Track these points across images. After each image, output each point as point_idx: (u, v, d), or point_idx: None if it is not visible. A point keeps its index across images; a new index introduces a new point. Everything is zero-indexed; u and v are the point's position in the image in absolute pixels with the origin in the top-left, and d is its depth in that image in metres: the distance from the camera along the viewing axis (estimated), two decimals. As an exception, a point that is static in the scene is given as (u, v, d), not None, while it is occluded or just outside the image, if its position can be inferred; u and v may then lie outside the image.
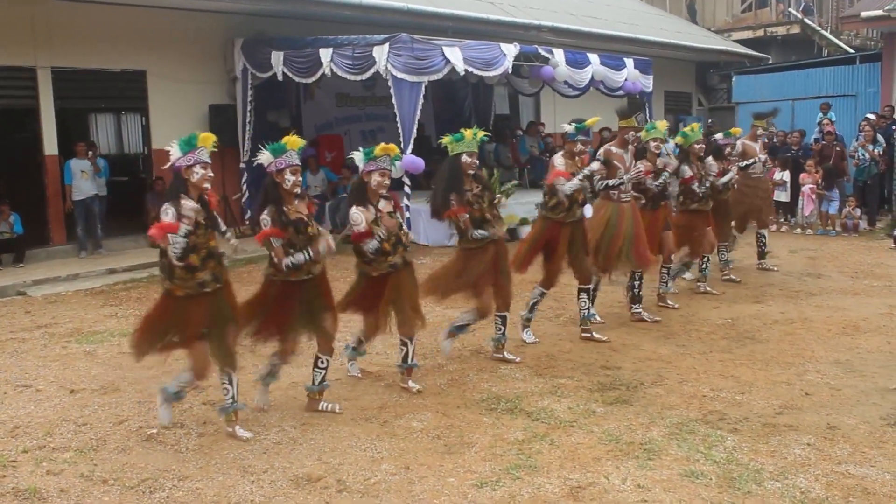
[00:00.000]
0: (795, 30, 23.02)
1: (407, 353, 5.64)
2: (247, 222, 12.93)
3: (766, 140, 9.10)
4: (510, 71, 11.99)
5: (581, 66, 12.66)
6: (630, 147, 7.12)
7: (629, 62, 13.52)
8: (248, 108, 12.68)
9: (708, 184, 8.07)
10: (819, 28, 23.02)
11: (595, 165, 6.46)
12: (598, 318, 7.33)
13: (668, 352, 6.64)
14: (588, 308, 6.91)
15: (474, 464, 4.52)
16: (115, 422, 5.29)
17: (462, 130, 5.97)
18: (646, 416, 5.19)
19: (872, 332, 7.16)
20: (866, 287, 8.95)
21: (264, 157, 4.96)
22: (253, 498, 4.21)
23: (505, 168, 14.32)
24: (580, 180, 6.32)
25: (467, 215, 5.85)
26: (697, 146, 8.07)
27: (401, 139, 10.99)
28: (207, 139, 4.79)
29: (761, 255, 9.92)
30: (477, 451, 4.70)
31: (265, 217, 4.91)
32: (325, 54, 11.32)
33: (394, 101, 10.91)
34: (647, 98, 14.03)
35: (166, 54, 12.24)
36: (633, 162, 7.03)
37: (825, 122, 14.38)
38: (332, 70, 11.32)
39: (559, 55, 12.29)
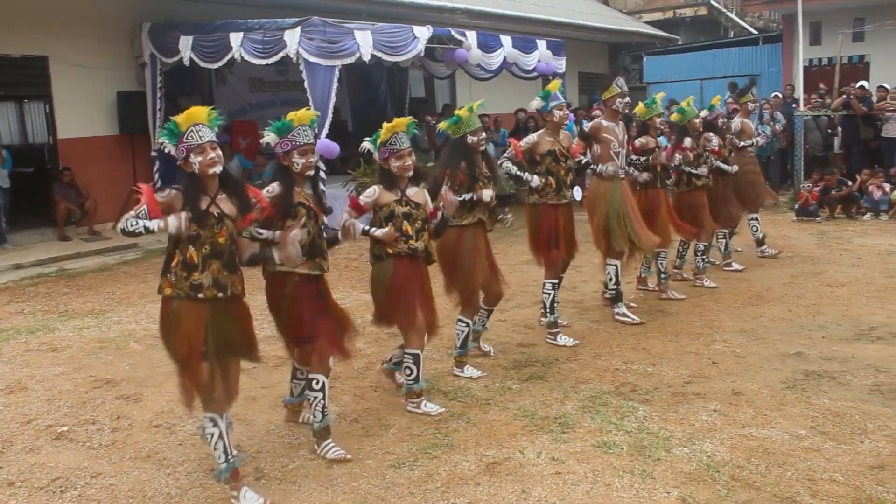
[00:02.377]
0: (703, 11, 23.70)
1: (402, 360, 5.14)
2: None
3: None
4: (423, 54, 11.98)
5: (492, 49, 12.73)
6: (621, 120, 6.80)
7: (541, 44, 13.66)
8: (158, 94, 12.34)
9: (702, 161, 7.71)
10: (724, 10, 23.73)
11: (535, 182, 6.01)
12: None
13: (583, 327, 6.79)
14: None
15: (392, 445, 4.56)
16: (23, 421, 5.12)
17: (456, 112, 5.52)
18: (560, 391, 5.31)
19: (775, 301, 7.47)
20: (770, 258, 9.31)
21: (269, 136, 4.35)
22: (169, 491, 4.16)
23: (421, 151, 14.32)
24: (515, 174, 6.04)
25: (458, 181, 5.37)
26: (697, 121, 7.77)
27: (315, 124, 10.89)
28: (193, 116, 3.85)
29: (760, 241, 9.46)
30: (394, 432, 4.74)
31: (273, 186, 4.31)
32: (235, 39, 11.10)
33: (306, 85, 10.79)
34: (561, 79, 14.20)
35: (69, 39, 11.79)
36: (626, 135, 6.82)
37: (729, 100, 14.82)
38: (241, 55, 11.11)
39: (472, 37, 12.34)
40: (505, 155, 6.14)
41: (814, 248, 9.99)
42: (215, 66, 11.74)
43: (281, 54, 10.84)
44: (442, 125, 5.61)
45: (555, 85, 6.24)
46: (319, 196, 4.54)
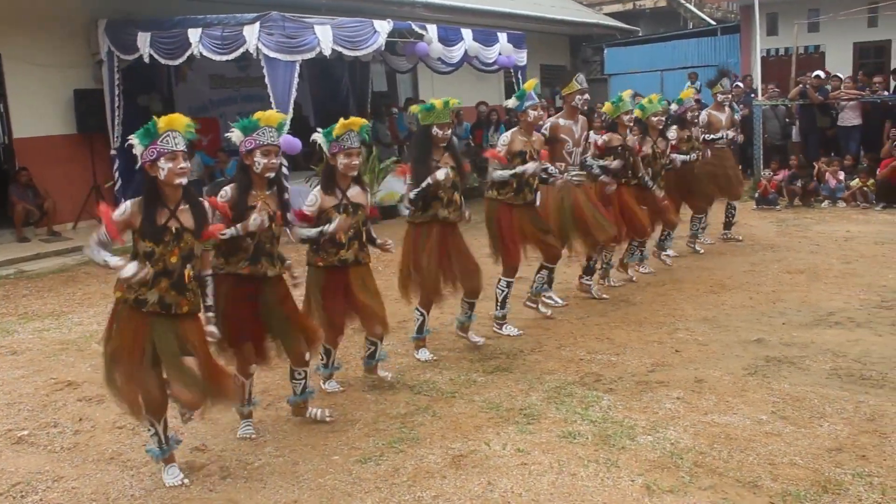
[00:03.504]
0: (662, 3, 23.90)
1: (375, 350, 5.27)
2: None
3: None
4: (383, 48, 11.94)
5: (453, 42, 12.71)
6: (580, 117, 6.73)
7: (502, 37, 13.67)
8: (117, 92, 12.15)
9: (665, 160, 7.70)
10: (683, 1, 23.94)
11: (531, 167, 5.98)
12: (559, 301, 7.09)
13: (546, 318, 6.81)
14: (543, 283, 6.69)
15: (358, 440, 4.55)
16: (-19, 426, 5.04)
17: (432, 100, 5.52)
18: (525, 383, 5.33)
19: (736, 288, 7.57)
20: (731, 247, 9.44)
21: (234, 134, 4.32)
22: (133, 492, 4.12)
23: (384, 145, 14.30)
24: (511, 175, 5.97)
25: (413, 178, 5.45)
26: (655, 119, 7.68)
27: (283, 127, 10.81)
28: (173, 122, 3.87)
29: (728, 224, 9.70)
30: (360, 427, 4.74)
31: (227, 189, 4.32)
32: (194, 34, 10.96)
33: (267, 81, 10.70)
34: (522, 72, 14.24)
35: (24, 36, 11.57)
36: (584, 133, 6.75)
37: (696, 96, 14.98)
38: (200, 52, 10.98)
39: (432, 31, 12.32)
40: (491, 169, 6.07)
41: (773, 235, 10.15)
42: (176, 62, 11.59)
43: (240, 50, 10.74)
44: (414, 108, 5.60)
45: (531, 84, 6.19)
46: (283, 200, 4.50)
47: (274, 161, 4.32)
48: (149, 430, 4.13)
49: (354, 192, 4.90)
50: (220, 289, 4.30)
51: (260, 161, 4.29)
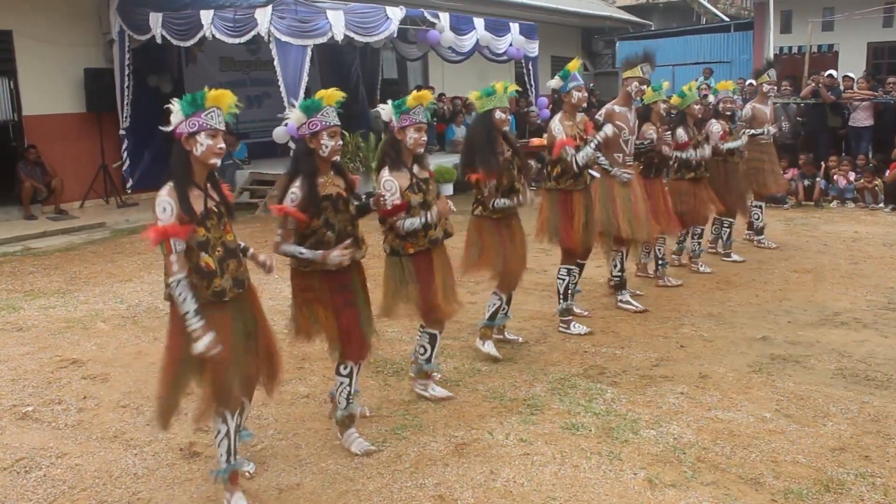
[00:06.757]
0: (675, -3, 23.79)
1: (434, 348, 4.95)
2: (128, 192, 12.53)
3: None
4: (395, 35, 11.92)
5: (465, 31, 12.69)
6: (633, 105, 6.54)
7: (514, 27, 13.64)
8: (127, 72, 12.19)
9: (701, 151, 7.52)
10: (697, -4, 23.85)
11: (609, 130, 5.83)
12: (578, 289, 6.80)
13: (552, 310, 6.79)
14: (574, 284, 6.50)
15: (361, 425, 4.54)
16: (-14, 401, 5.06)
17: (493, 84, 5.26)
18: (529, 373, 5.34)
19: (743, 286, 7.55)
20: (738, 245, 9.38)
21: (294, 116, 4.02)
22: (136, 471, 4.13)
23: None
24: (594, 148, 5.76)
25: (494, 182, 5.18)
26: (698, 107, 7.49)
27: (285, 104, 10.83)
28: (221, 98, 3.54)
29: (754, 227, 9.37)
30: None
31: (294, 190, 3.94)
32: (206, 16, 10.97)
33: (276, 64, 10.69)
34: (533, 62, 14.20)
35: (35, 13, 11.60)
36: (637, 121, 6.60)
37: (703, 87, 14.93)
38: (212, 34, 10.97)
39: (444, 19, 12.29)
40: (575, 158, 5.75)
41: (781, 234, 10.10)
42: (188, 43, 11.61)
43: (252, 33, 10.74)
44: (473, 95, 5.36)
45: (575, 64, 5.94)
46: (348, 179, 4.20)
47: (340, 143, 4.07)
48: (217, 432, 3.65)
49: (416, 169, 4.59)
50: (310, 283, 4.09)
51: (328, 143, 3.99)
